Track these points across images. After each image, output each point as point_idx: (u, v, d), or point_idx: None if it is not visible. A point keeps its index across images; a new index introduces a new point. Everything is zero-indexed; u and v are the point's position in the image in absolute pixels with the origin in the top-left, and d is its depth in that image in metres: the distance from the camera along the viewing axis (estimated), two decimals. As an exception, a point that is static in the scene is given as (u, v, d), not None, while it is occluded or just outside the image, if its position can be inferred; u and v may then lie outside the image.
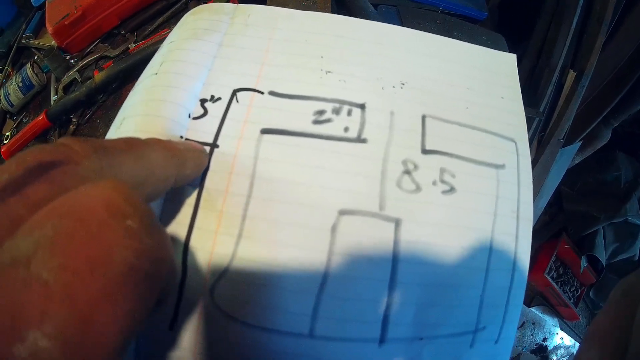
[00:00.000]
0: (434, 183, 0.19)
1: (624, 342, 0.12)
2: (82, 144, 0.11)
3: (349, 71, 0.21)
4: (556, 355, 1.01)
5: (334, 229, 0.17)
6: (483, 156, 0.20)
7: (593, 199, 0.94)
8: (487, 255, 0.19)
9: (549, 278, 0.95)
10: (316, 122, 0.19)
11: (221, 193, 0.18)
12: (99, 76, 0.36)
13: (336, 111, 0.20)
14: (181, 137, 0.18)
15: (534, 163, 0.54)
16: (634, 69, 0.68)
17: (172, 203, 0.17)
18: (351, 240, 0.17)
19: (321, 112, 0.20)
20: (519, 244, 0.20)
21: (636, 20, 0.60)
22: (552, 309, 1.05)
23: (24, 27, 0.47)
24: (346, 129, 0.20)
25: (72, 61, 0.41)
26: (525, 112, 0.51)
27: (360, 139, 0.19)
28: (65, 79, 0.40)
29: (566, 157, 0.71)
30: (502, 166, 0.21)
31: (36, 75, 0.42)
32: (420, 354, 0.17)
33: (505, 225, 0.20)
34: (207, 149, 0.18)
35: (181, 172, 0.15)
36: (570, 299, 1.00)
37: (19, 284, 0.08)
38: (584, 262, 0.94)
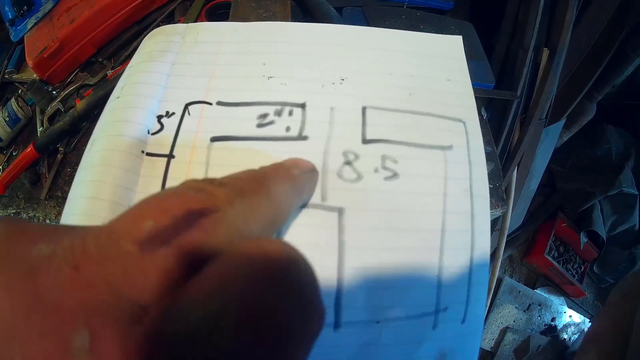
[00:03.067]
0: (376, 170, 0.20)
1: (623, 343, 0.12)
2: (223, 191, 0.11)
3: (289, 74, 0.22)
4: (567, 333, 1.00)
5: None
6: (427, 139, 0.21)
7: (586, 175, 0.94)
8: (440, 235, 0.19)
9: (550, 258, 0.96)
10: (260, 125, 0.21)
11: None
12: (80, 104, 0.37)
13: (278, 113, 0.21)
14: (142, 151, 0.20)
15: (518, 145, 0.54)
16: (610, 39, 0.68)
17: None
18: (296, 231, 0.18)
19: (264, 116, 0.21)
20: (476, 221, 0.20)
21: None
22: (557, 289, 1.05)
23: (5, 62, 0.48)
24: (288, 129, 0.21)
25: (55, 92, 0.42)
26: (502, 95, 0.51)
27: (301, 137, 0.21)
28: (50, 110, 0.41)
29: (552, 136, 0.72)
30: (449, 147, 0.21)
31: (21, 108, 0.43)
32: (379, 337, 0.18)
33: (458, 204, 0.20)
34: (165, 160, 0.20)
35: (300, 201, 0.15)
36: (574, 276, 1.00)
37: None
38: (583, 238, 0.95)
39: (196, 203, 0.10)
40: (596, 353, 0.13)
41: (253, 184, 0.12)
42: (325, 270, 0.18)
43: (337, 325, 0.18)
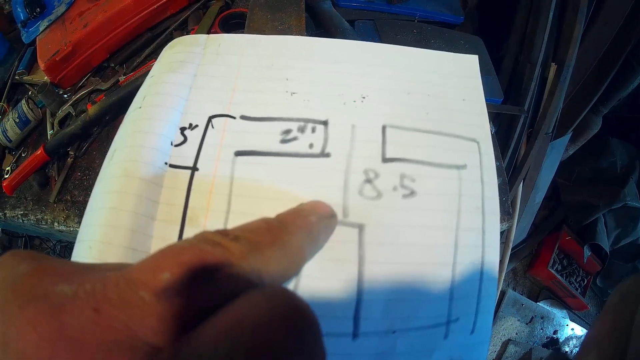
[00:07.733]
0: (395, 189, 0.21)
1: (622, 345, 0.12)
2: (236, 245, 0.11)
3: (312, 90, 0.23)
4: (569, 346, 1.00)
5: None
6: (443, 158, 0.22)
7: (590, 188, 0.94)
8: (453, 250, 0.20)
9: (553, 271, 0.95)
10: (283, 141, 0.21)
11: (203, 210, 0.19)
12: (92, 109, 0.37)
13: (301, 129, 0.21)
14: (165, 163, 0.20)
15: (524, 159, 0.54)
16: (616, 53, 0.68)
17: (160, 223, 0.19)
18: None
19: (287, 132, 0.21)
20: (487, 237, 0.21)
21: (614, 4, 0.60)
22: (560, 301, 1.04)
23: (16, 63, 0.49)
24: (311, 146, 0.21)
25: (66, 96, 0.42)
26: (510, 110, 0.52)
27: (324, 154, 0.21)
28: (60, 114, 0.41)
29: (558, 150, 0.72)
30: (463, 166, 0.22)
31: (31, 110, 0.43)
32: (394, 346, 0.19)
33: (470, 221, 0.21)
34: (188, 172, 0.20)
35: (316, 249, 0.15)
36: (577, 289, 0.99)
37: None
38: (587, 251, 0.94)
39: (211, 257, 0.10)
40: (597, 355, 0.13)
41: (268, 237, 0.12)
42: (345, 283, 0.19)
43: (355, 335, 0.18)
